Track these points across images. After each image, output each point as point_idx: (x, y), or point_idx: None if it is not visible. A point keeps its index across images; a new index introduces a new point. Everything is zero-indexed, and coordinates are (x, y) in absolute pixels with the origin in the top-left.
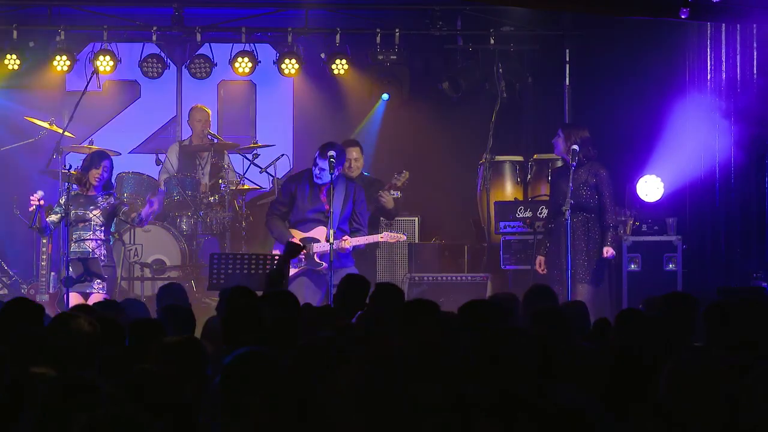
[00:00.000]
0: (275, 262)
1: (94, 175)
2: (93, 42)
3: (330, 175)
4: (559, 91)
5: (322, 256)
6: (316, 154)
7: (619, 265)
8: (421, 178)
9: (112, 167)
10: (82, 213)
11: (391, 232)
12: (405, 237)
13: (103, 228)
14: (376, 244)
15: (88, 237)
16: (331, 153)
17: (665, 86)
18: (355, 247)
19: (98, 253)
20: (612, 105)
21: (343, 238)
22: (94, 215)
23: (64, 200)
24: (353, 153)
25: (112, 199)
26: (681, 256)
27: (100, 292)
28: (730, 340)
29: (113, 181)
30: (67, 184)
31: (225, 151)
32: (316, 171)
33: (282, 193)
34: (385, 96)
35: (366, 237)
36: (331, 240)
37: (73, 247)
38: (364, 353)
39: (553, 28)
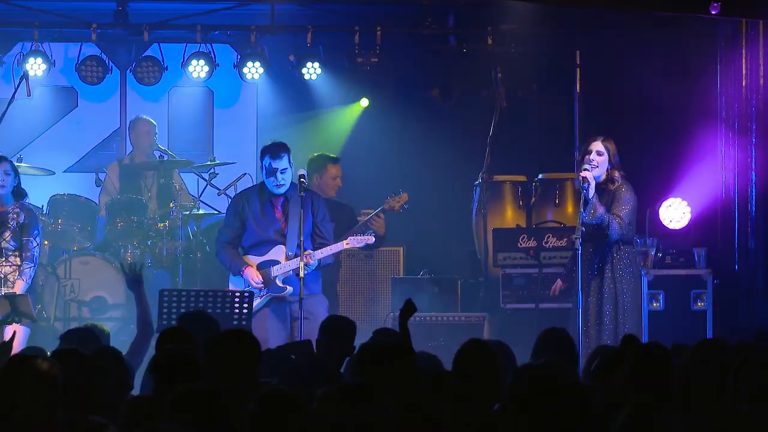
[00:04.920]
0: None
1: None
2: (22, 41)
3: (300, 195)
4: (568, 100)
5: (285, 279)
6: (266, 158)
7: (638, 303)
8: (402, 207)
9: (15, 170)
10: None
11: (356, 235)
12: (373, 239)
13: (17, 252)
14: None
15: (0, 263)
16: (302, 172)
17: (692, 94)
18: (323, 264)
19: (12, 279)
20: (629, 116)
21: (306, 252)
22: (5, 239)
23: None
24: (333, 171)
25: (22, 217)
26: (711, 293)
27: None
28: None
29: (39, 206)
30: None
31: (175, 170)
32: (276, 179)
33: (229, 215)
34: (363, 102)
35: (330, 247)
36: (301, 274)
37: None
38: None
39: (562, 27)
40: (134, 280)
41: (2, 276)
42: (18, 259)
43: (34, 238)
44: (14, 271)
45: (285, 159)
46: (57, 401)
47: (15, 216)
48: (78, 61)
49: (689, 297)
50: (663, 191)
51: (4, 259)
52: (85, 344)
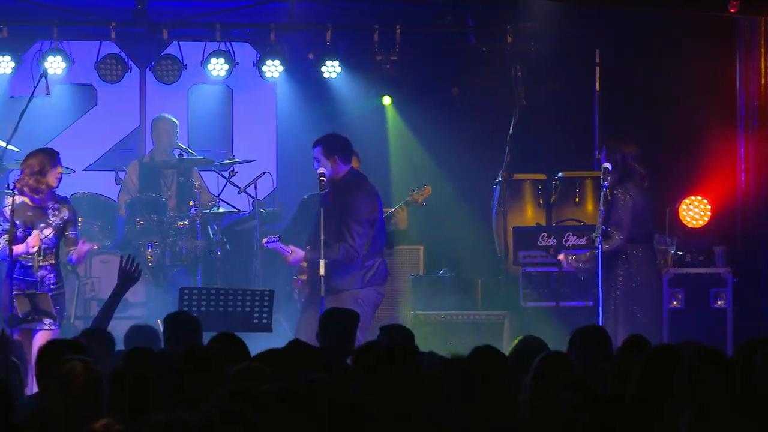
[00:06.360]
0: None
1: (55, 175)
2: (41, 40)
3: (320, 193)
4: (587, 98)
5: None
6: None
7: (657, 301)
8: (425, 200)
9: None
10: (32, 233)
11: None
12: (276, 239)
13: (54, 250)
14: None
15: (39, 263)
16: (321, 170)
17: (711, 93)
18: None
19: (48, 281)
20: (649, 114)
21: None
22: (47, 237)
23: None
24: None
25: (65, 213)
26: (731, 292)
27: (52, 329)
28: None
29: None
30: (11, 204)
31: (195, 169)
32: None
33: None
34: (386, 100)
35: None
36: (305, 275)
37: (17, 273)
38: None
39: (581, 26)
40: (127, 277)
41: (38, 278)
42: (53, 258)
43: (77, 229)
44: (50, 272)
45: (315, 150)
46: (97, 404)
47: (56, 213)
48: (97, 59)
49: (709, 295)
50: (682, 189)
51: (42, 257)
52: (151, 343)
